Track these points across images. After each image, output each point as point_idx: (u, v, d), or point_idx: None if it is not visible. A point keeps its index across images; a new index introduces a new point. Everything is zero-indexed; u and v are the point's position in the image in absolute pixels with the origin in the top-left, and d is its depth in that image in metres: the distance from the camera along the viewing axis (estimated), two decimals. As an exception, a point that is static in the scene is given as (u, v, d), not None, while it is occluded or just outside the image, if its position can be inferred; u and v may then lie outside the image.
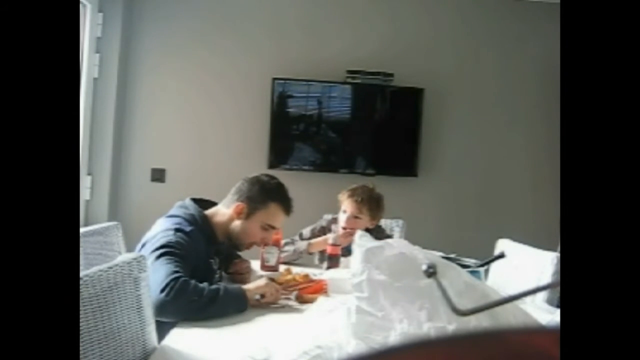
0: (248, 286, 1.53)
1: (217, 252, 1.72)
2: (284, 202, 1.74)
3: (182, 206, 1.71)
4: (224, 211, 1.74)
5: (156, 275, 1.36)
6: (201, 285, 1.41)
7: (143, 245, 1.56)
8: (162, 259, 1.44)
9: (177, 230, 1.56)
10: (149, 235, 1.59)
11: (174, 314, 1.35)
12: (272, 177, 1.80)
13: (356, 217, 2.22)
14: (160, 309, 1.31)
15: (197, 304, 1.36)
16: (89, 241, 1.81)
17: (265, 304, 1.51)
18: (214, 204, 1.81)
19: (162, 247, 1.48)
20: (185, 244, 1.53)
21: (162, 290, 1.33)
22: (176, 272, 1.39)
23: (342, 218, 2.24)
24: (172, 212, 1.69)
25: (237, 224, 1.72)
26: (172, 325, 1.30)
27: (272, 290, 1.53)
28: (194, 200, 1.75)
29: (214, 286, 1.44)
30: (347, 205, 2.24)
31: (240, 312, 1.45)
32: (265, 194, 1.72)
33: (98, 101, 3.29)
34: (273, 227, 1.75)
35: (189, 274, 1.44)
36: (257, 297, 1.49)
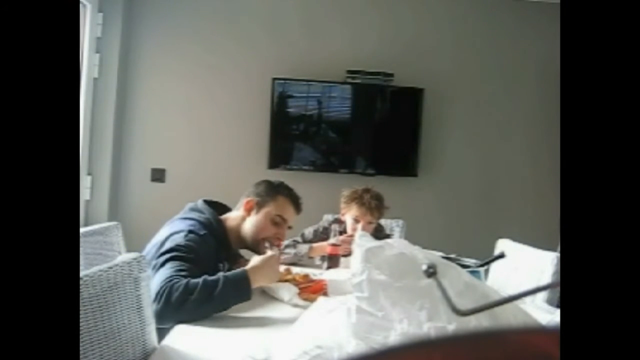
0: (249, 266, 1.48)
1: (227, 258, 1.70)
2: (292, 196, 1.78)
3: (195, 209, 1.69)
4: (235, 214, 1.74)
5: (155, 283, 1.32)
6: (195, 281, 1.33)
7: (153, 246, 1.51)
8: (167, 264, 1.39)
9: (189, 232, 1.52)
10: (157, 238, 1.55)
11: (172, 319, 1.29)
12: (277, 180, 1.85)
13: (370, 223, 2.24)
14: (158, 317, 1.26)
15: (191, 304, 1.30)
16: (89, 241, 1.81)
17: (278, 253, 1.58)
18: (224, 206, 1.81)
19: (168, 251, 1.43)
20: (196, 247, 1.48)
21: (154, 299, 1.29)
22: (172, 276, 1.34)
23: (353, 226, 2.24)
24: (185, 214, 1.66)
25: (248, 222, 1.71)
26: (172, 325, 1.30)
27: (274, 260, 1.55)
28: (205, 202, 1.73)
29: (211, 278, 1.37)
30: (357, 213, 2.25)
31: (244, 300, 1.39)
32: (272, 189, 1.77)
33: (98, 101, 3.29)
34: (285, 220, 1.75)
35: (197, 276, 1.37)
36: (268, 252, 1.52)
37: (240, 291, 1.39)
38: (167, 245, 1.46)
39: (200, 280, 1.34)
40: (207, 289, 1.33)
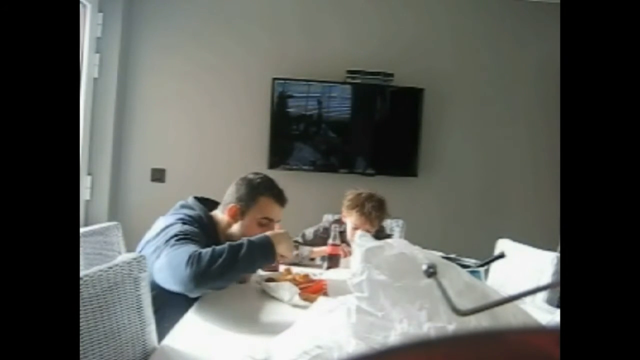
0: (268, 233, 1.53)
1: None
2: (274, 192, 1.75)
3: (186, 206, 1.71)
4: (221, 217, 1.75)
5: (177, 258, 1.36)
6: (220, 247, 1.39)
7: (147, 243, 1.54)
8: (180, 242, 1.43)
9: (183, 223, 1.57)
10: (151, 233, 1.57)
11: (206, 281, 1.34)
12: (258, 173, 1.81)
13: (368, 232, 2.24)
14: (192, 282, 1.31)
15: (223, 263, 1.34)
16: (89, 241, 1.81)
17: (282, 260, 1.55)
18: (216, 203, 1.81)
19: (175, 235, 1.47)
20: (195, 234, 1.53)
21: (187, 264, 1.32)
22: (196, 250, 1.38)
23: (352, 233, 2.24)
24: (176, 211, 1.68)
25: (235, 227, 1.72)
26: (172, 325, 1.30)
27: (289, 244, 1.53)
28: (196, 198, 1.75)
29: (235, 242, 1.43)
30: (357, 222, 2.24)
31: (269, 262, 1.50)
32: (252, 190, 1.74)
33: (98, 101, 3.29)
34: (270, 220, 1.75)
35: None
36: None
37: (264, 252, 1.45)
38: (171, 233, 1.48)
39: (225, 245, 1.41)
40: (234, 248, 1.40)
